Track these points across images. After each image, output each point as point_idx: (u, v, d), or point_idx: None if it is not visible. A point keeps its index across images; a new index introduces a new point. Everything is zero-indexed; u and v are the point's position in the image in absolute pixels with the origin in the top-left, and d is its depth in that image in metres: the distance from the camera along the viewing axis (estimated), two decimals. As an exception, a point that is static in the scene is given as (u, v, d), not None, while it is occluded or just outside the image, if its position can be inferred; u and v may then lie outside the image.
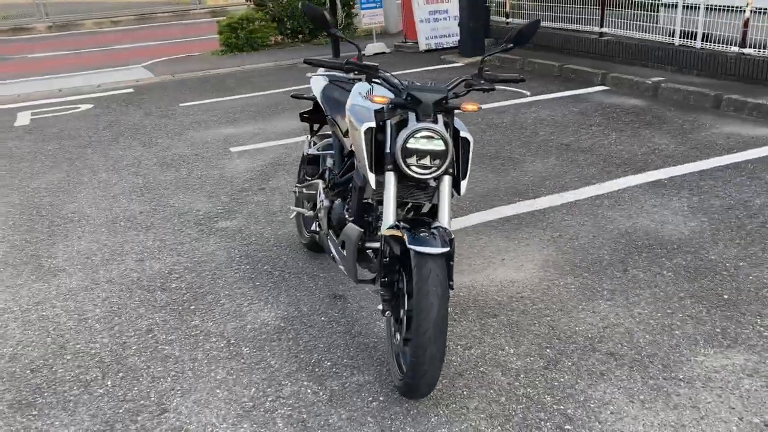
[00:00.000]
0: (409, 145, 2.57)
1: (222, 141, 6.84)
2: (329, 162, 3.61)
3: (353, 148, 2.87)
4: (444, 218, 2.64)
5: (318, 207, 3.50)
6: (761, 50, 7.27)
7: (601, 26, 9.59)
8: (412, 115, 2.62)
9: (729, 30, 7.62)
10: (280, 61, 11.53)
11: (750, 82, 7.29)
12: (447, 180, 2.68)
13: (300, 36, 13.74)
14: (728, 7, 7.69)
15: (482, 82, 2.79)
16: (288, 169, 5.74)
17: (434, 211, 2.79)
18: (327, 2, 12.29)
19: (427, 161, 2.60)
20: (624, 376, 2.79)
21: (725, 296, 3.33)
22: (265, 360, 3.05)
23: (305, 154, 3.78)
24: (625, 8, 9.34)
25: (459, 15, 10.75)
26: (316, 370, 2.95)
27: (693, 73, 8.04)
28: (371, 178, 2.73)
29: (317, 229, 3.61)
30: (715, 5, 7.88)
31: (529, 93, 3.03)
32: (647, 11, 8.97)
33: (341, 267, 3.22)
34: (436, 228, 2.58)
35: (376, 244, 2.95)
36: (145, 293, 3.73)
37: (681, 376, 2.76)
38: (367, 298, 3.53)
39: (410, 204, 2.92)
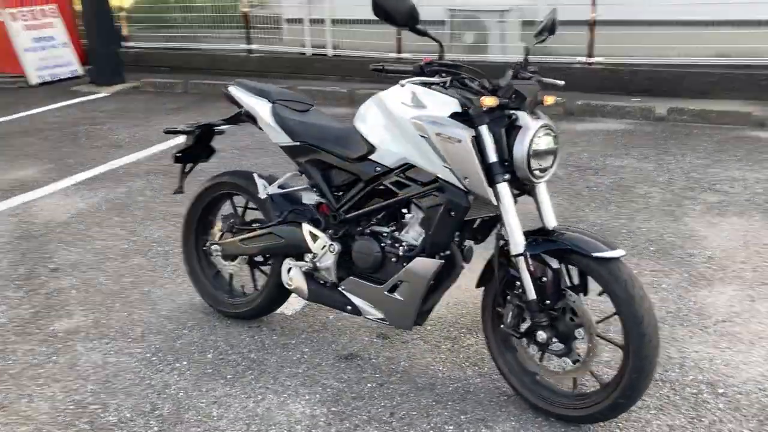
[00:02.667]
0: (536, 147, 2.31)
1: None
2: (311, 199, 2.92)
3: (450, 165, 2.38)
4: (553, 220, 2.45)
5: (315, 255, 2.81)
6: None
7: (249, 43, 9.61)
8: (522, 114, 2.34)
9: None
10: None
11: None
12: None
13: None
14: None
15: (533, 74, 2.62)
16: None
17: (494, 221, 2.56)
18: None
19: (547, 162, 2.38)
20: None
21: None
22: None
23: (266, 195, 2.96)
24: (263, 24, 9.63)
25: (88, 41, 9.45)
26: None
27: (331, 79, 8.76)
28: (491, 193, 2.36)
29: (295, 282, 2.87)
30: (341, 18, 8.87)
31: None
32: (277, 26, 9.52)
33: (373, 316, 2.68)
34: (565, 232, 2.39)
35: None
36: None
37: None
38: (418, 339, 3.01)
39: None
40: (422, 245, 2.57)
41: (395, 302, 2.63)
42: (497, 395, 2.63)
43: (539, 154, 2.32)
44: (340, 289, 2.79)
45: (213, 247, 3.17)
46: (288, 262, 2.93)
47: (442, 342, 3.00)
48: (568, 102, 6.88)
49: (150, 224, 4.45)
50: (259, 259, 3.16)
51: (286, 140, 2.86)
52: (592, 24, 7.50)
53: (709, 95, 6.93)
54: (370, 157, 2.63)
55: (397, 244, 2.62)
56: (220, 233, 3.19)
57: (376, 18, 2.35)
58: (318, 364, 2.88)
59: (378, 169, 2.62)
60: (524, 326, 2.45)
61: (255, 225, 3.07)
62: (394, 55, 8.57)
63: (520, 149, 2.30)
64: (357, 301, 2.75)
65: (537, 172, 2.34)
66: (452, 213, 2.43)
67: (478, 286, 2.63)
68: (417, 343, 2.99)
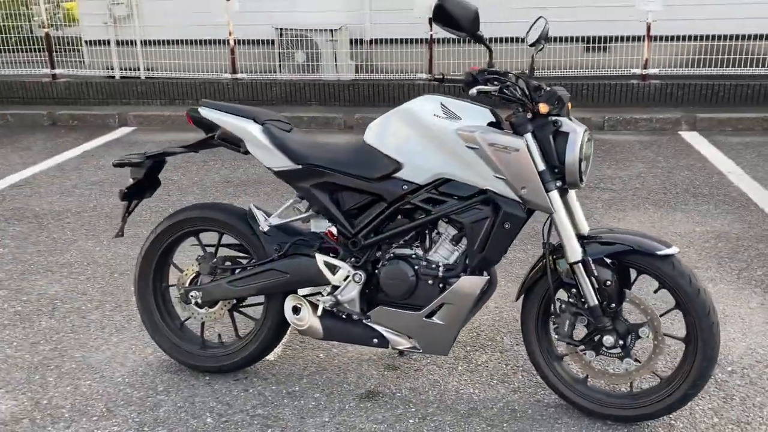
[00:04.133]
0: (586, 151, 2.34)
1: None
2: (320, 227, 2.62)
3: (504, 176, 2.28)
4: (586, 225, 2.50)
5: (335, 288, 2.55)
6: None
7: (53, 68, 8.57)
8: (565, 120, 2.35)
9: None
10: None
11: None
12: None
13: None
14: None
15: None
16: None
17: None
18: None
19: (588, 166, 2.41)
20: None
21: None
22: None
23: (269, 227, 2.59)
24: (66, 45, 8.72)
25: None
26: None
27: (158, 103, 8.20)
28: (555, 199, 2.31)
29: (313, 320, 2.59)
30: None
31: None
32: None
33: (404, 346, 2.51)
34: (613, 234, 2.44)
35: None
36: None
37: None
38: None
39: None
40: (463, 263, 2.44)
41: (435, 327, 2.47)
42: (545, 408, 2.57)
43: (587, 158, 2.32)
44: (365, 321, 2.55)
45: (190, 294, 2.73)
46: (292, 300, 2.62)
47: (456, 363, 2.87)
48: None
49: (36, 279, 3.73)
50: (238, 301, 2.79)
51: (285, 164, 2.56)
52: (431, 42, 7.79)
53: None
54: (395, 175, 2.45)
55: (433, 265, 2.46)
56: (192, 276, 2.76)
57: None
58: (342, 408, 2.60)
59: (405, 187, 2.44)
60: (577, 333, 2.42)
61: (248, 263, 2.70)
62: (228, 76, 8.20)
63: (572, 154, 2.27)
64: (385, 332, 2.54)
65: (584, 177, 2.33)
66: (507, 225, 2.33)
67: (518, 298, 2.55)
68: (431, 369, 2.83)
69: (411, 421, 2.52)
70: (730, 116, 6.63)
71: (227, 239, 2.74)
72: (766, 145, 6.07)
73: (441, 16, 2.21)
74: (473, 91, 2.29)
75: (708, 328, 2.27)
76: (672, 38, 7.72)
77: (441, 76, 2.35)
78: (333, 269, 2.53)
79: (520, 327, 2.57)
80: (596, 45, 8.04)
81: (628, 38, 7.85)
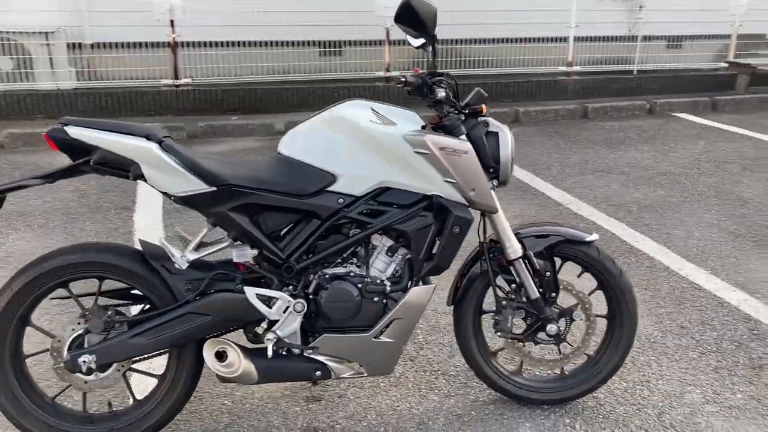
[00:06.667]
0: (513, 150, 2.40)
1: None
2: (245, 256, 2.25)
3: (455, 179, 2.21)
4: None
5: (273, 322, 2.24)
6: None
7: None
8: (491, 119, 2.39)
9: None
10: None
11: None
12: None
13: None
14: None
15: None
16: None
17: None
18: None
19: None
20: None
21: None
22: None
23: (186, 264, 2.12)
24: None
25: None
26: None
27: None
28: (495, 198, 2.33)
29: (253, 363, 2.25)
30: None
31: None
32: None
33: (348, 373, 2.31)
34: (540, 227, 2.55)
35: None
36: None
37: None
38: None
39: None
40: (408, 274, 2.32)
41: (383, 347, 2.32)
42: (484, 406, 2.57)
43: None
44: (306, 354, 2.29)
45: (79, 359, 2.16)
46: (213, 345, 2.24)
47: (377, 381, 2.72)
48: (187, 126, 6.56)
49: None
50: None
51: (196, 187, 2.15)
52: (173, 46, 7.24)
53: (302, 108, 7.46)
54: (329, 188, 2.23)
55: (378, 281, 2.30)
56: (72, 338, 2.20)
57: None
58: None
59: (341, 200, 2.24)
60: (516, 328, 2.47)
61: (151, 312, 2.23)
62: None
63: (505, 153, 2.31)
64: (329, 361, 2.31)
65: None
66: (457, 230, 2.28)
67: (450, 303, 2.52)
68: (354, 392, 2.65)
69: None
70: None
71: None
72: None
73: (405, 16, 2.07)
74: (442, 94, 2.20)
75: (632, 302, 2.48)
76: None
77: (404, 79, 2.20)
78: (268, 302, 2.22)
79: (454, 331, 2.53)
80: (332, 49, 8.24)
81: (365, 42, 8.21)
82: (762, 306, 3.35)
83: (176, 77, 7.36)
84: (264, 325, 2.25)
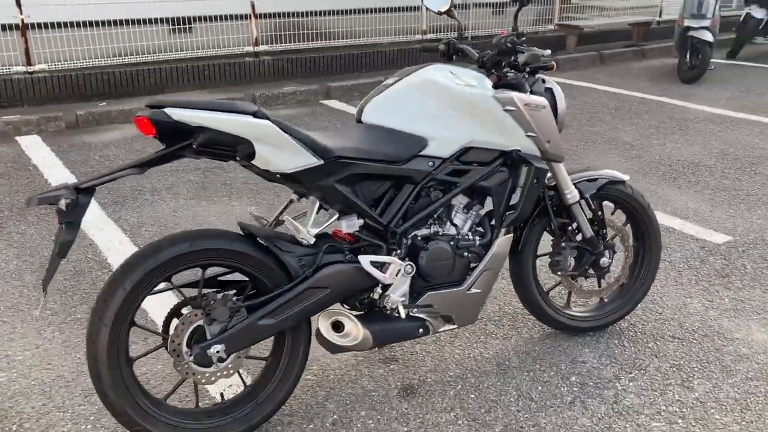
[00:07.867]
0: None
1: None
2: (353, 226, 2.26)
3: (536, 133, 2.38)
4: None
5: (386, 287, 2.29)
6: None
7: None
8: (545, 76, 2.60)
9: None
10: None
11: None
12: None
13: None
14: None
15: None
16: None
17: None
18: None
19: None
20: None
21: None
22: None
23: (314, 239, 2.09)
24: None
25: None
26: None
27: None
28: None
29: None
30: None
31: None
32: None
33: (444, 327, 2.47)
34: (587, 172, 2.77)
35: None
36: None
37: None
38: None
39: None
40: (490, 226, 2.48)
41: (473, 298, 2.47)
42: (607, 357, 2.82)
43: None
44: (411, 313, 2.37)
45: (208, 350, 2.05)
46: (328, 317, 2.25)
47: (483, 327, 2.92)
48: (64, 115, 5.97)
49: None
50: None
51: (309, 161, 2.11)
52: (23, 28, 6.50)
53: (167, 89, 7.08)
54: (421, 152, 2.31)
55: (467, 237, 2.43)
56: (190, 331, 2.08)
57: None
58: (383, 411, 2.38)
59: (431, 163, 2.33)
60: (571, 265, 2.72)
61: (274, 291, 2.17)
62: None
63: (561, 105, 2.54)
64: (429, 318, 2.41)
65: None
66: (536, 180, 2.47)
67: (515, 252, 2.70)
68: (425, 345, 2.76)
69: (472, 396, 2.48)
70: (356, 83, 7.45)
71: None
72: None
73: None
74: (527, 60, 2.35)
75: (657, 231, 2.85)
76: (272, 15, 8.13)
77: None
78: (380, 267, 2.26)
79: (512, 278, 2.73)
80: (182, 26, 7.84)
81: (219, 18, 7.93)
82: (699, 228, 3.93)
83: (29, 63, 6.63)
84: (378, 290, 2.29)
